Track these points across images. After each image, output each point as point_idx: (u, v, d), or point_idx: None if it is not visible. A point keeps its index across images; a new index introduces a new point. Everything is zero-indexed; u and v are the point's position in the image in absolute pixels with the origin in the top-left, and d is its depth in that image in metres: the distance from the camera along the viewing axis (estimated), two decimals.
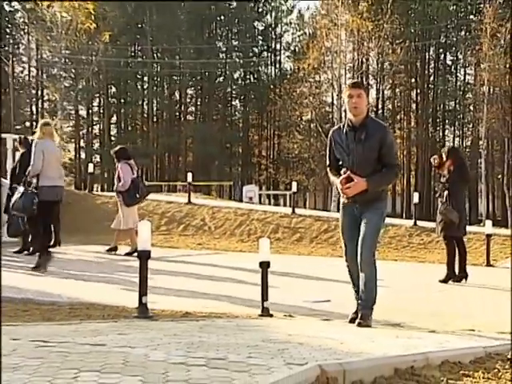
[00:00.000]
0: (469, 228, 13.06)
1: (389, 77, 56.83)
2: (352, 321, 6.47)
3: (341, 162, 6.54)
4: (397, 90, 58.60)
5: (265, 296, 7.14)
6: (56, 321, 6.06)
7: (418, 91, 57.98)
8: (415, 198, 19.81)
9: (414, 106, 58.37)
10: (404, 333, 6.10)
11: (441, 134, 58.72)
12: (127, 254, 13.66)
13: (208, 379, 3.34)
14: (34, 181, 10.97)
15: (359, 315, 6.36)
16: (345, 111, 6.87)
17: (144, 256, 6.47)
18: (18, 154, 14.66)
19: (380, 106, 59.35)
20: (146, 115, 64.50)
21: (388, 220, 20.56)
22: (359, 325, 6.24)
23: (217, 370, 3.59)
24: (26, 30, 61.64)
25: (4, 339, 4.47)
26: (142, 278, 6.42)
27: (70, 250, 14.56)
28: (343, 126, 6.59)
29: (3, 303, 7.72)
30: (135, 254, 13.64)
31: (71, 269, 11.64)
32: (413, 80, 57.94)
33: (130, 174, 13.82)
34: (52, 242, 13.44)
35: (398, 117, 58.92)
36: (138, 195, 13.81)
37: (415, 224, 18.25)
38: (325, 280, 10.92)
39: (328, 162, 6.73)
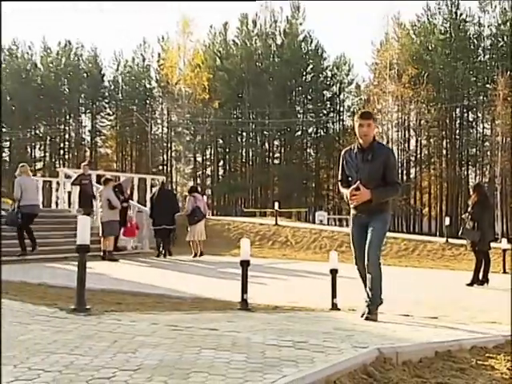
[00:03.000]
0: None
1: (425, 130, 55.82)
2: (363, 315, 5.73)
3: (350, 178, 5.77)
4: (431, 140, 57.40)
5: (334, 294, 7.04)
6: (182, 311, 6.13)
7: (448, 141, 56.59)
8: (447, 221, 19.58)
9: (444, 151, 56.92)
10: (441, 324, 5.91)
11: (465, 173, 56.96)
12: (194, 256, 14.92)
13: (295, 357, 3.32)
14: (17, 203, 12.54)
15: (367, 310, 5.67)
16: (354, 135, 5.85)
17: (245, 263, 6.48)
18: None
19: (418, 152, 58.33)
20: (244, 160, 65.10)
21: (426, 237, 20.37)
22: (367, 319, 5.59)
23: (301, 350, 3.56)
24: (160, 101, 63.47)
25: (146, 324, 4.56)
26: (244, 280, 6.42)
27: (192, 260, 14.79)
28: (353, 147, 5.81)
29: (144, 297, 7.87)
30: (198, 257, 14.80)
31: (192, 272, 11.80)
32: (443, 132, 56.59)
33: (192, 204, 15.20)
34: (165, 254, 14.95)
35: (432, 160, 57.56)
36: (196, 218, 15.12)
37: (447, 241, 17.78)
38: None
39: (340, 178, 5.93)
